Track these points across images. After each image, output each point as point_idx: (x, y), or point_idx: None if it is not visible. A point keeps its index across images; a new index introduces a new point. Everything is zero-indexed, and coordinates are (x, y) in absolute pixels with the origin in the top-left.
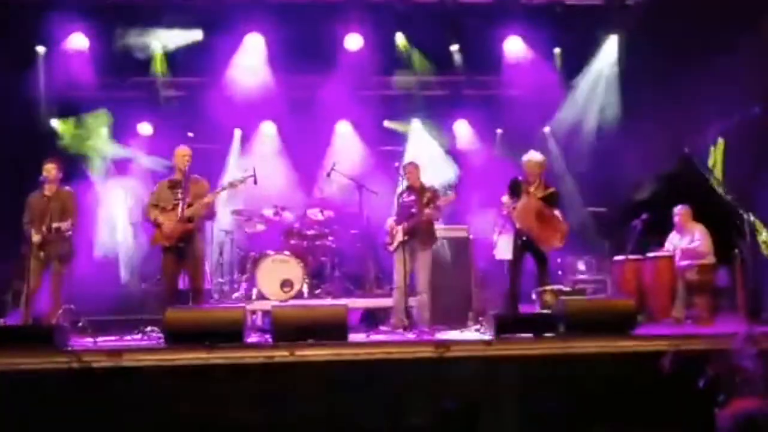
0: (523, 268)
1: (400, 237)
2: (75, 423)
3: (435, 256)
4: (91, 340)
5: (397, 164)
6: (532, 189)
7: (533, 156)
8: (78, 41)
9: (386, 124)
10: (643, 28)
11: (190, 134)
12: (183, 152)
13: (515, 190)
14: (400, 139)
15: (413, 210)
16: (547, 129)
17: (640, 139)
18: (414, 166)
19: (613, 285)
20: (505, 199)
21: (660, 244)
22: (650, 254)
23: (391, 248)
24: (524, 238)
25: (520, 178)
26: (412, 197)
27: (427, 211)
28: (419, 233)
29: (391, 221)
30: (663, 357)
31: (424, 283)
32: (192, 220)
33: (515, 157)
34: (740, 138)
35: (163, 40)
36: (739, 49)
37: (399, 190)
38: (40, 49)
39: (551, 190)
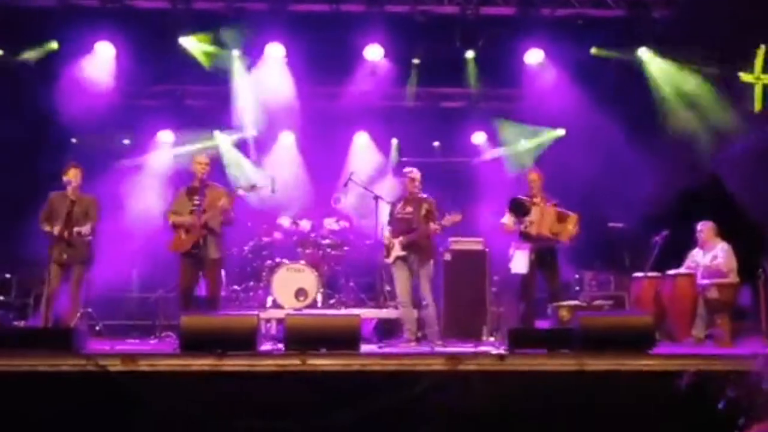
0: (538, 283)
1: (397, 250)
2: (89, 426)
3: (448, 268)
4: (108, 343)
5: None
6: (537, 201)
7: (533, 169)
8: (103, 49)
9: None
10: (669, 40)
11: None
12: (200, 160)
13: (518, 208)
14: (418, 151)
15: (413, 225)
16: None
17: (660, 153)
18: (412, 176)
19: (632, 302)
20: (506, 219)
21: (679, 262)
22: (670, 272)
23: (388, 260)
24: (541, 251)
25: (520, 196)
26: (409, 209)
27: (432, 226)
28: (418, 248)
29: (387, 232)
30: (681, 377)
31: (428, 296)
32: (208, 227)
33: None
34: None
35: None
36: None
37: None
38: (61, 54)
39: (556, 201)
